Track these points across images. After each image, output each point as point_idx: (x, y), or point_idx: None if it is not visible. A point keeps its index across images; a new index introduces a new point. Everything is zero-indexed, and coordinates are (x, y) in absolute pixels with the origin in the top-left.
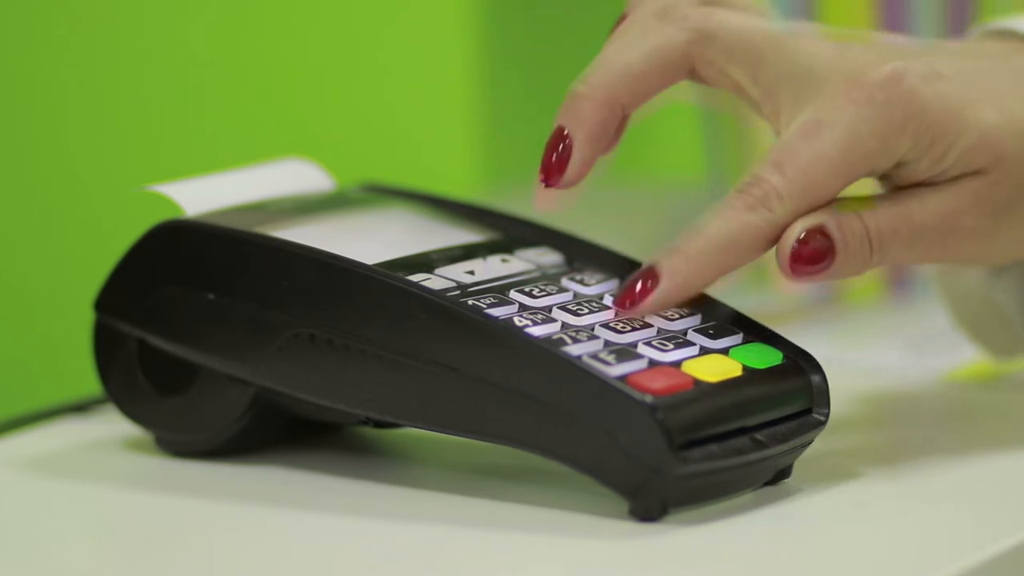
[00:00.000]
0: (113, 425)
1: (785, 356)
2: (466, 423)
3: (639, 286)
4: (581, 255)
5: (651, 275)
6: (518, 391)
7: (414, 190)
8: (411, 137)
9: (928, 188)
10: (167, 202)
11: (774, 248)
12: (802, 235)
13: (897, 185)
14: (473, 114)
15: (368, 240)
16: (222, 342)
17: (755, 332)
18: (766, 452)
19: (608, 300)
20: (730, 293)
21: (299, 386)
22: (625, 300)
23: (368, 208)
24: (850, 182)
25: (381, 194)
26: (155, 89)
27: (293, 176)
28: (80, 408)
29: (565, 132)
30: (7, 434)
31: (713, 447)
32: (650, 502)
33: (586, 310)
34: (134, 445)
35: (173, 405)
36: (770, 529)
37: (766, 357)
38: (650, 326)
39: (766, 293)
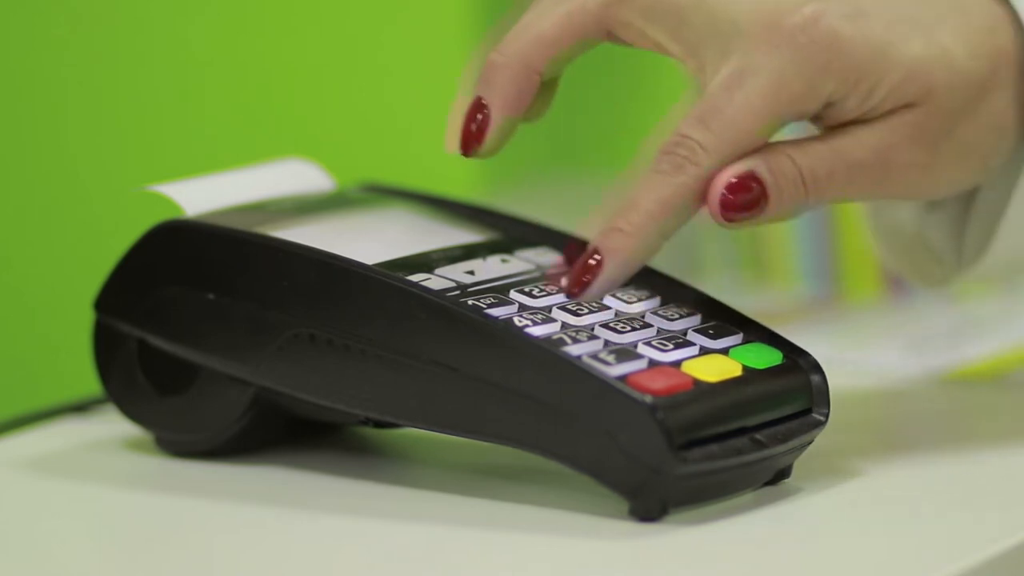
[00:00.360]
0: (113, 425)
1: (785, 356)
2: (466, 423)
3: (584, 271)
4: (581, 255)
5: (594, 259)
6: (518, 391)
7: (414, 190)
8: (411, 137)
9: (860, 125)
10: (167, 202)
11: None
12: (733, 180)
13: (829, 125)
14: None
15: (368, 240)
16: (222, 342)
17: (755, 332)
18: (766, 452)
19: (608, 300)
20: (730, 293)
21: (299, 386)
22: (573, 286)
23: (368, 208)
24: (778, 127)
25: (381, 194)
26: (155, 89)
27: (293, 176)
28: (80, 408)
29: (483, 102)
30: (7, 434)
31: (713, 447)
32: (650, 502)
33: (586, 310)
34: (134, 445)
35: (173, 405)
36: (770, 529)
37: (766, 357)
38: (650, 326)
39: (766, 293)
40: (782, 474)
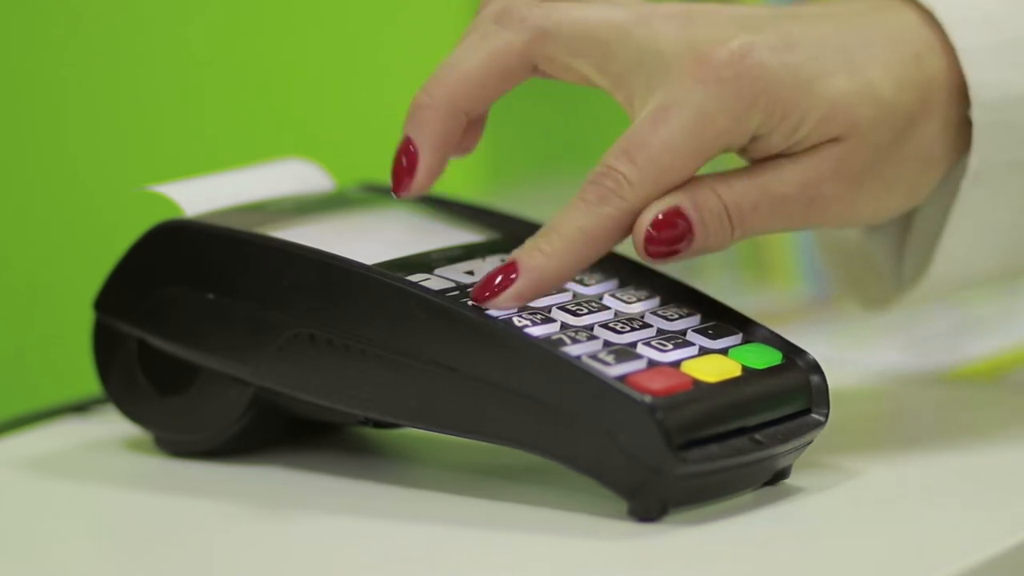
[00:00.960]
0: (113, 425)
1: (785, 356)
2: (466, 423)
3: (498, 280)
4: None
5: (510, 270)
6: (518, 391)
7: None
8: None
9: (786, 159)
10: (167, 202)
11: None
12: (659, 216)
13: (754, 158)
14: None
15: (368, 240)
16: (222, 342)
17: (755, 332)
18: (766, 452)
19: (608, 300)
20: (730, 293)
21: (299, 386)
22: (483, 292)
23: (368, 208)
24: (703, 162)
25: (381, 194)
26: (155, 89)
27: (293, 176)
28: (80, 408)
29: (411, 142)
30: (7, 434)
31: (713, 447)
32: (650, 502)
33: (585, 310)
34: (134, 445)
35: (173, 405)
36: (770, 529)
37: (765, 357)
38: (649, 326)
39: (766, 293)
40: (782, 474)
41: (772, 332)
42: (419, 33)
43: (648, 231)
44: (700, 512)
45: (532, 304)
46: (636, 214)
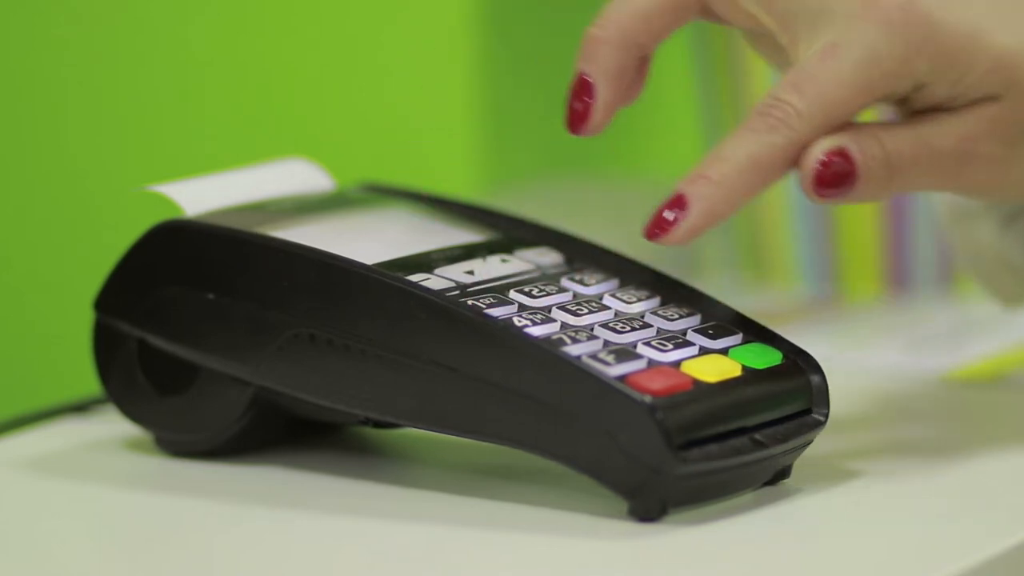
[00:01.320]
0: (113, 425)
1: (785, 356)
2: (466, 423)
3: (667, 215)
4: (581, 255)
5: (678, 203)
6: (518, 391)
7: (414, 190)
8: (411, 137)
9: (945, 113)
10: (167, 202)
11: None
12: (825, 154)
13: (915, 109)
14: (474, 114)
15: (368, 240)
16: (222, 342)
17: (755, 332)
18: (766, 452)
19: (608, 300)
20: (730, 293)
21: (299, 386)
22: (654, 229)
23: (368, 208)
24: (869, 102)
25: (381, 194)
26: (155, 89)
27: (293, 176)
28: (80, 408)
29: (587, 77)
30: (7, 434)
31: (713, 447)
32: (650, 502)
33: (585, 310)
34: (134, 445)
35: (173, 405)
36: (770, 529)
37: (766, 357)
38: (649, 326)
39: (766, 293)
40: (782, 474)
41: (772, 332)
42: (419, 33)
43: (816, 167)
44: (700, 512)
45: (532, 304)
46: (803, 147)
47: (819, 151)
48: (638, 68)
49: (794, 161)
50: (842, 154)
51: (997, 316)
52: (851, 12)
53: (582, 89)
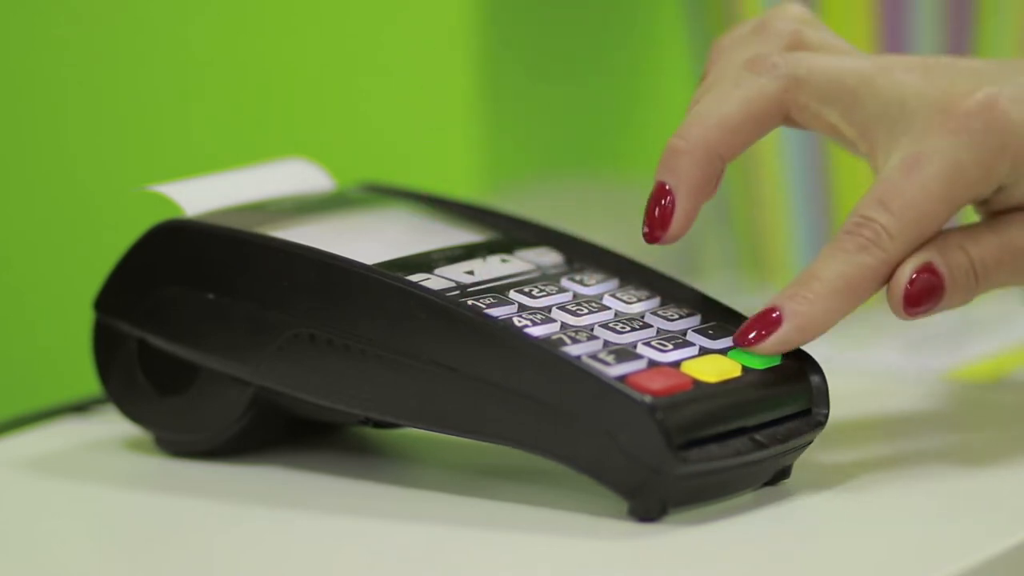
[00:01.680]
0: (113, 425)
1: (784, 356)
2: (466, 423)
3: (760, 326)
4: (581, 255)
5: (772, 316)
6: (518, 391)
7: (414, 190)
8: (411, 137)
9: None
10: (167, 202)
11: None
12: (914, 274)
13: (993, 210)
14: (473, 114)
15: (368, 240)
16: (222, 342)
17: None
18: (766, 452)
19: (608, 300)
20: (730, 293)
21: (299, 386)
22: (746, 337)
23: (368, 208)
24: (955, 212)
25: (381, 194)
26: (155, 89)
27: (293, 176)
28: (80, 408)
29: (667, 187)
30: (7, 434)
31: (713, 447)
32: (650, 502)
33: (585, 310)
34: (134, 445)
35: (173, 405)
36: (770, 529)
37: (765, 357)
38: (649, 326)
39: (766, 293)
40: (782, 474)
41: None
42: (419, 33)
43: (907, 288)
44: (700, 512)
45: (532, 304)
46: (892, 265)
47: (908, 271)
48: (717, 177)
49: (886, 279)
50: (929, 270)
51: (997, 316)
52: (930, 121)
53: (662, 197)
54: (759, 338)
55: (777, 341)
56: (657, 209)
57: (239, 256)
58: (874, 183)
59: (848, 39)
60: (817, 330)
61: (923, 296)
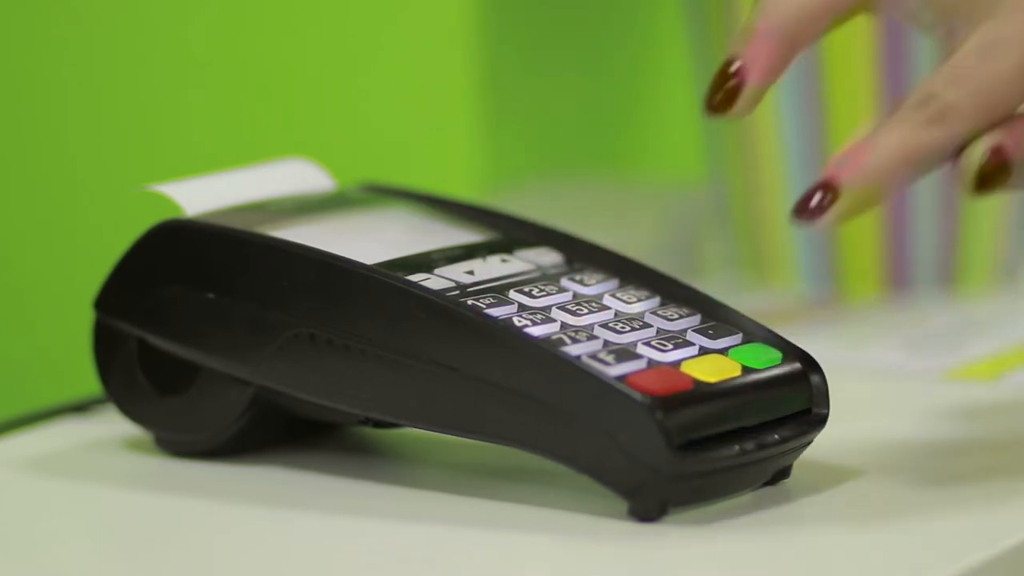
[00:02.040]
0: (113, 425)
1: (784, 356)
2: (466, 423)
3: (817, 199)
4: (581, 255)
5: (829, 188)
6: (518, 391)
7: (414, 190)
8: (411, 137)
9: None
10: (167, 202)
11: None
12: (988, 153)
13: None
14: (474, 114)
15: (368, 240)
16: (222, 342)
17: (755, 332)
18: (766, 452)
19: (608, 300)
20: (730, 293)
21: (299, 386)
22: (803, 212)
23: (368, 208)
24: None
25: (381, 194)
26: (155, 89)
27: (293, 176)
28: (80, 408)
29: (740, 66)
30: (7, 434)
31: (713, 447)
32: (649, 502)
33: (585, 310)
34: (134, 445)
35: (173, 405)
36: (770, 529)
37: (765, 357)
38: (649, 326)
39: (766, 293)
40: (782, 474)
41: (772, 332)
42: (419, 33)
43: (980, 168)
44: (700, 512)
45: (532, 304)
46: (959, 145)
47: (981, 151)
48: (790, 63)
49: (950, 158)
50: (1001, 151)
51: (997, 316)
52: (1012, 6)
53: (733, 75)
54: (817, 212)
55: (834, 215)
56: (724, 86)
57: (239, 256)
58: (947, 61)
59: (850, 69)
60: (874, 202)
61: (994, 176)
